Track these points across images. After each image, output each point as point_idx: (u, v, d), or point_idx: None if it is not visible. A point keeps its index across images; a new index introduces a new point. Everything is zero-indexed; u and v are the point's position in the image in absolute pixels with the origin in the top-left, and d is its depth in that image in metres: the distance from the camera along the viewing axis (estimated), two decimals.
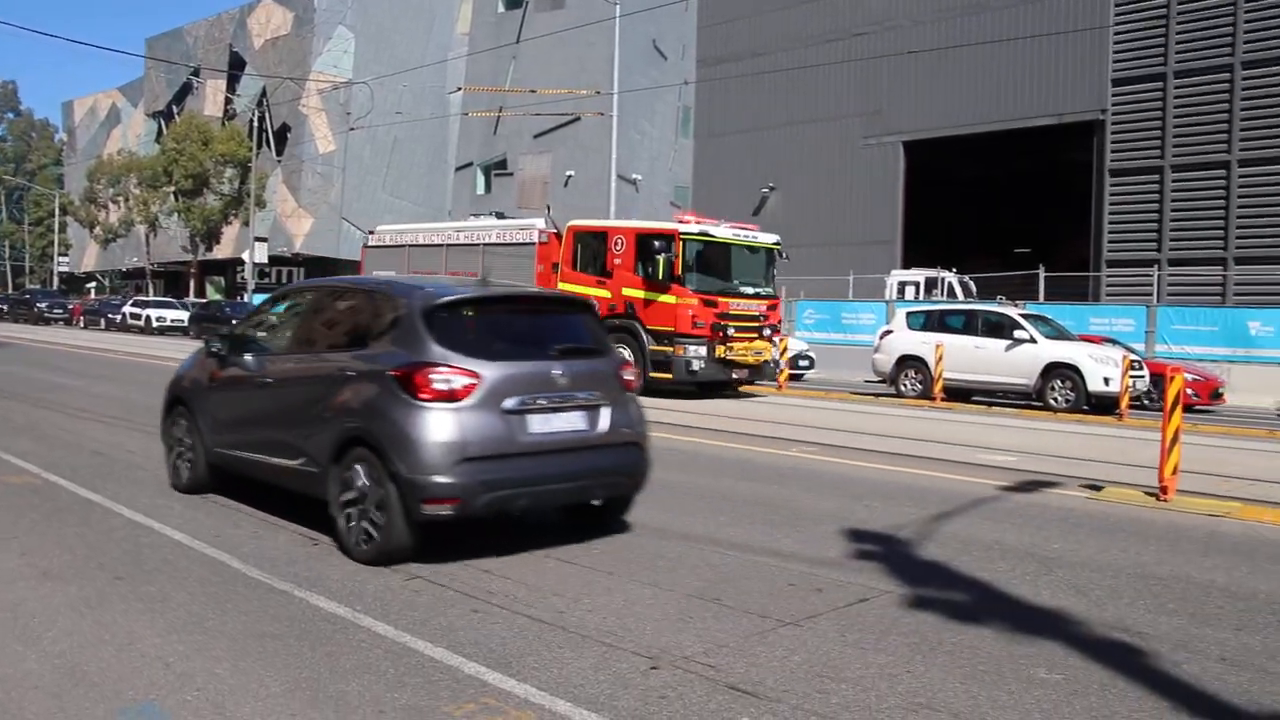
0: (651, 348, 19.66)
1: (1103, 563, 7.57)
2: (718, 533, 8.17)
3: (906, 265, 37.28)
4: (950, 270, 33.97)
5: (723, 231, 20.23)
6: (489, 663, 5.06)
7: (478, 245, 23.44)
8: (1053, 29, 34.02)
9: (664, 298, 19.62)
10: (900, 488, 10.63)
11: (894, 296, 33.41)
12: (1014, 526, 8.76)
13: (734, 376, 20.66)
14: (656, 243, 19.49)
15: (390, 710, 4.49)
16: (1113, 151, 33.49)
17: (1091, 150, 34.22)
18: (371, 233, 27.40)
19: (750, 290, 20.61)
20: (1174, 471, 10.12)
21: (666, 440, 14.01)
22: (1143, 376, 20.84)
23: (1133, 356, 20.93)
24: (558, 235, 22.09)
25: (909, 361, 22.62)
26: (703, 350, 19.41)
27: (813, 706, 4.63)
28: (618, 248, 20.45)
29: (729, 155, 43.55)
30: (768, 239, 21.20)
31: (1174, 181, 32.05)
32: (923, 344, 22.24)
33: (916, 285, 33.86)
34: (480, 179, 61.67)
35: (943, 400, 21.34)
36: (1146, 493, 10.33)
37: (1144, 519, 9.36)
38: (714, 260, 20.07)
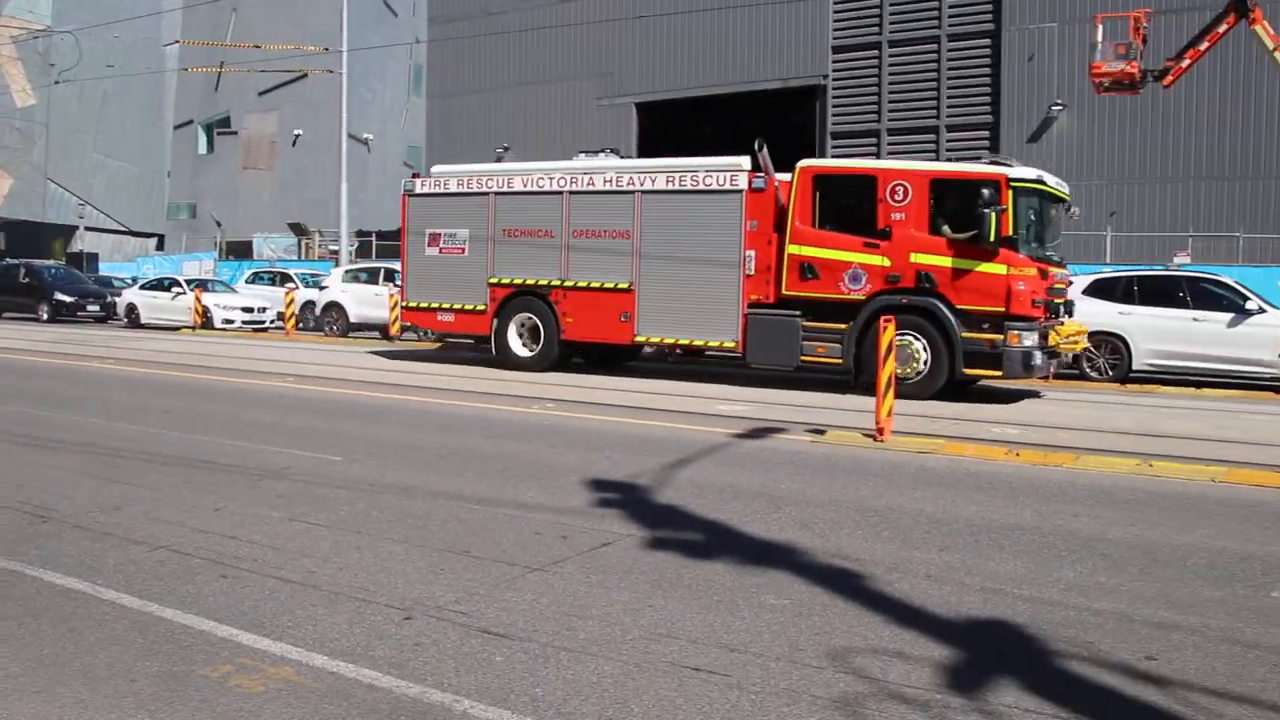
0: (964, 334, 14.62)
1: (826, 499, 8.19)
2: (464, 489, 8.32)
3: None
4: None
5: (1051, 180, 15.70)
6: (242, 625, 5.06)
7: (629, 193, 17.10)
8: None
9: (987, 266, 14.52)
10: (639, 439, 11.05)
11: None
12: (746, 470, 9.31)
13: (1051, 371, 16.21)
14: (984, 190, 14.44)
15: (142, 679, 4.45)
16: (834, 115, 35.27)
17: (814, 114, 35.92)
18: (416, 176, 19.99)
19: (1057, 257, 16.11)
20: (889, 414, 10.97)
21: (405, 401, 14.03)
22: None
23: None
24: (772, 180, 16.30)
25: None
26: (1038, 338, 14.51)
27: (562, 643, 4.88)
28: (898, 198, 15.15)
29: (463, 115, 43.22)
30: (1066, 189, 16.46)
31: (889, 145, 34.08)
32: None
33: None
34: (202, 138, 58.83)
35: (679, 354, 22.04)
36: (865, 434, 11.15)
37: (863, 458, 10.14)
38: (1039, 218, 15.47)
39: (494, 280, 18.24)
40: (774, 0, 35.20)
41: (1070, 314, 16.04)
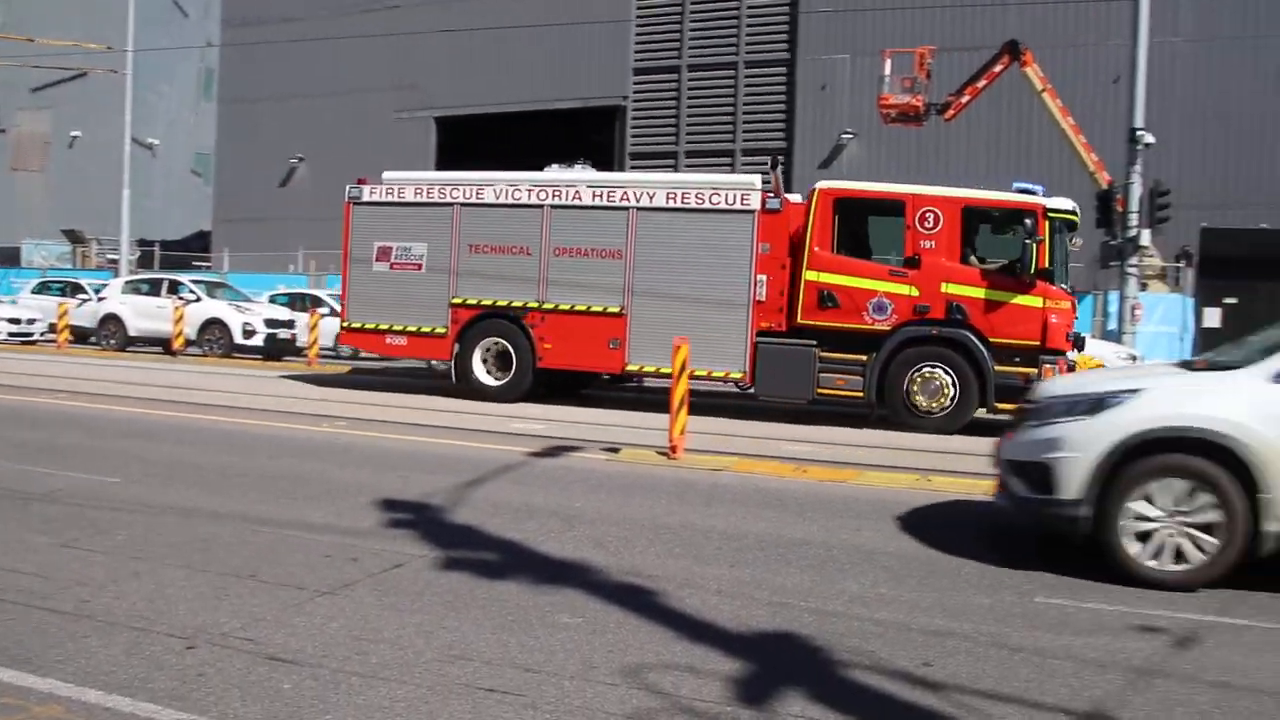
0: (996, 368, 14.19)
1: (620, 517, 8.28)
2: (250, 510, 8.05)
3: None
4: None
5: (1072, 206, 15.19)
6: (4, 661, 4.76)
7: (623, 209, 15.78)
8: (581, 17, 35.72)
9: (1023, 299, 14.21)
10: (434, 458, 10.93)
11: None
12: (540, 489, 9.33)
13: None
14: (1026, 220, 14.12)
15: None
16: (633, 136, 35.79)
17: (614, 134, 36.34)
18: (362, 181, 17.55)
19: (1069, 287, 15.53)
20: (681, 432, 11.18)
21: (200, 421, 13.48)
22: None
23: None
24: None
25: None
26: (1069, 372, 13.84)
27: (353, 668, 4.79)
28: (928, 225, 14.59)
29: (256, 123, 41.87)
30: None
31: (686, 167, 34.77)
32: None
33: None
34: None
35: None
36: (659, 453, 11.31)
37: (656, 476, 10.30)
38: (1063, 246, 14.89)
39: (457, 300, 16.46)
40: (577, 21, 35.49)
41: (1082, 347, 15.57)
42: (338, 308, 27.70)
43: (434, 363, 18.86)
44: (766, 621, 5.74)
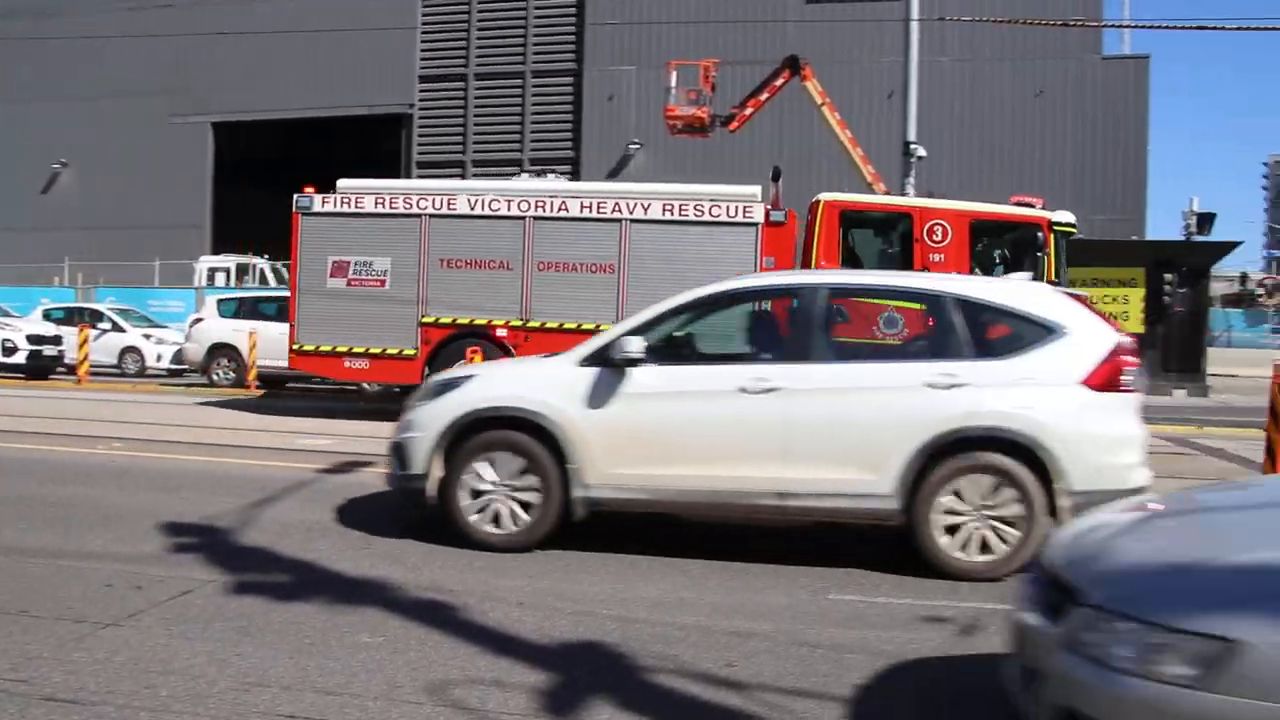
0: None
1: None
2: (18, 541, 7.54)
3: (217, 251, 36.33)
4: (263, 257, 33.70)
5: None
6: None
7: (615, 221, 15.20)
8: (365, 23, 35.04)
9: None
10: (218, 478, 10.51)
11: (204, 283, 32.41)
12: (333, 506, 9.06)
13: None
14: (1034, 234, 14.31)
15: None
16: (420, 144, 35.37)
17: (400, 142, 35.79)
18: (311, 189, 16.29)
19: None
20: None
21: None
22: None
23: None
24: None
25: (221, 350, 22.16)
26: None
27: (141, 703, 4.54)
28: (936, 238, 14.53)
29: (10, 126, 39.36)
30: None
31: (474, 176, 34.56)
32: (235, 331, 21.90)
33: (227, 271, 33.19)
34: None
35: (257, 388, 21.19)
36: None
37: None
38: (1063, 256, 14.89)
39: (429, 319, 15.40)
40: (361, 26, 34.81)
41: None
42: (122, 323, 26.19)
43: (367, 386, 17.92)
44: (570, 631, 5.74)
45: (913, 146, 23.46)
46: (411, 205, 15.60)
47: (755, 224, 14.80)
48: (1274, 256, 55.97)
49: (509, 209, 15.37)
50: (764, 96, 23.97)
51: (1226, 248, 29.91)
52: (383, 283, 15.49)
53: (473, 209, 15.45)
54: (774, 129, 30.57)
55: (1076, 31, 35.90)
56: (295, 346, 15.93)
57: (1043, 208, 15.13)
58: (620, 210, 15.14)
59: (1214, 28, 29.03)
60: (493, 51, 34.78)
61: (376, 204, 15.68)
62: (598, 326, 14.25)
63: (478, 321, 15.32)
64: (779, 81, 23.71)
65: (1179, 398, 23.35)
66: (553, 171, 18.73)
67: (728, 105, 24.84)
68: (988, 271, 14.91)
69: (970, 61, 32.44)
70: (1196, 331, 25.94)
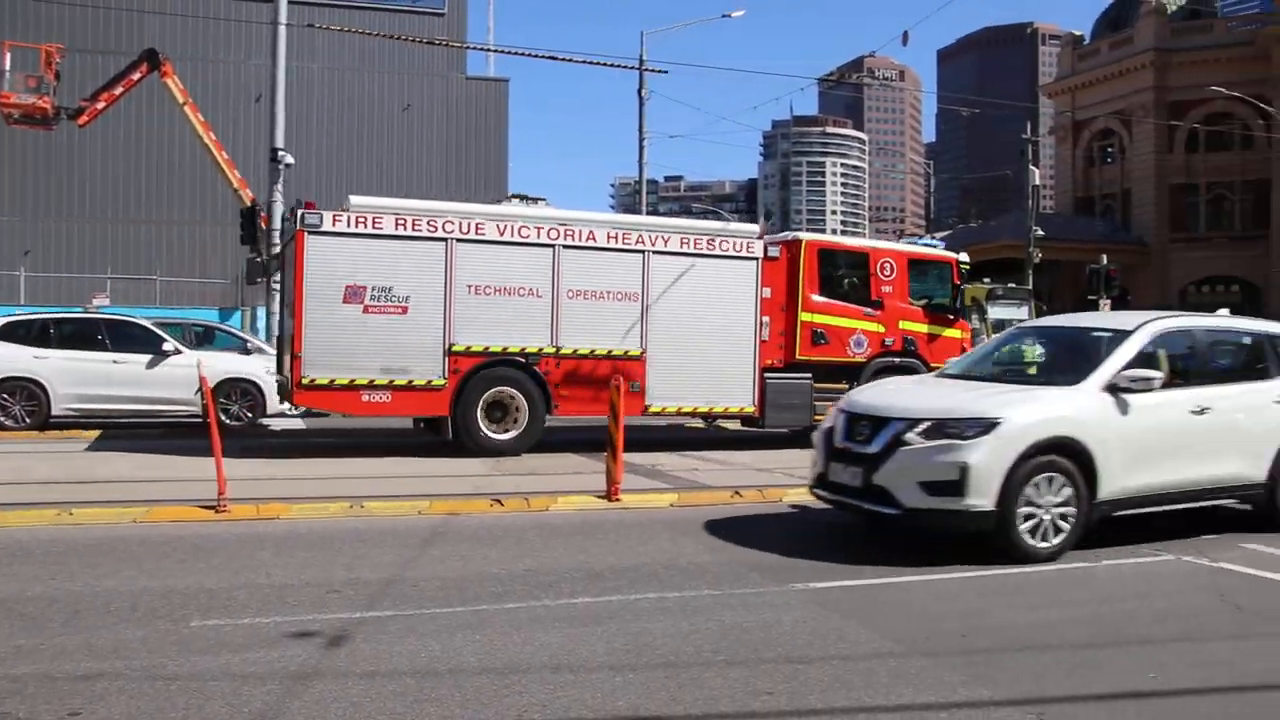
0: None
1: None
2: None
3: None
4: None
5: None
6: None
7: (639, 252, 15.37)
8: None
9: (950, 332, 17.70)
10: None
11: None
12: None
13: None
14: (950, 271, 18.11)
15: None
16: None
17: None
18: (311, 205, 14.21)
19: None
20: None
21: None
22: None
23: None
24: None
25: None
26: None
27: None
28: (885, 272, 17.26)
29: None
30: None
31: None
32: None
33: None
34: None
35: None
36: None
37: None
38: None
39: (458, 347, 14.38)
40: None
41: None
42: None
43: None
44: None
45: (280, 153, 23.03)
46: (437, 228, 14.52)
47: (757, 258, 16.15)
48: None
49: (539, 236, 15.00)
50: (119, 90, 22.37)
51: None
52: (405, 309, 14.24)
53: (502, 234, 14.84)
54: (134, 125, 28.67)
55: (443, 51, 37.48)
56: (304, 381, 13.93)
57: (945, 248, 19.36)
58: (644, 242, 15.51)
59: (565, 59, 31.56)
60: None
61: (398, 225, 14.35)
62: (626, 353, 15.23)
63: (511, 349, 14.75)
64: (136, 76, 22.26)
65: None
66: (542, 199, 18.44)
67: (77, 97, 22.85)
68: (918, 298, 17.59)
69: (341, 70, 32.61)
70: None
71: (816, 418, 16.23)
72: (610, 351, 15.22)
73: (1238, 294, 59.35)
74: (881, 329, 17.14)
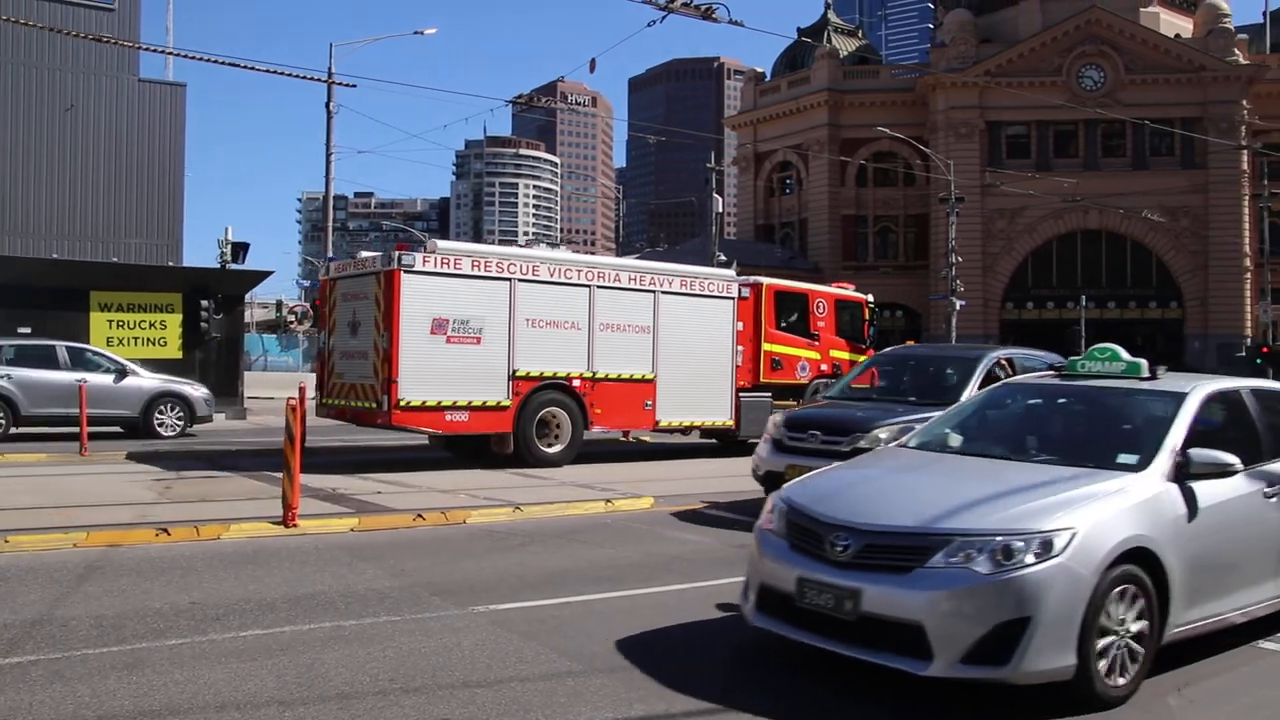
0: None
1: None
2: None
3: None
4: None
5: None
6: None
7: (650, 292, 18.07)
8: None
9: (862, 359, 19.81)
10: None
11: None
12: None
13: None
14: (862, 309, 22.82)
15: None
16: None
17: None
18: (405, 246, 16.19)
19: None
20: None
21: None
22: None
23: None
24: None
25: None
26: None
27: None
28: (820, 310, 21.60)
29: None
30: None
31: None
32: None
33: None
34: None
35: None
36: None
37: None
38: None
39: (521, 373, 16.51)
40: None
41: None
42: None
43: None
44: None
45: None
46: (503, 269, 16.53)
47: (733, 298, 19.25)
48: (305, 286, 60.34)
49: (579, 277, 17.38)
50: None
51: (259, 276, 31.33)
52: (479, 340, 16.11)
53: (552, 275, 17.03)
54: None
55: (114, 51, 35.24)
56: (401, 402, 15.44)
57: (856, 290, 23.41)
58: (655, 283, 18.20)
59: (247, 66, 30.27)
60: None
61: (473, 266, 16.25)
62: (643, 376, 17.88)
63: (559, 374, 16.91)
64: None
65: (220, 422, 23.83)
66: (570, 243, 19.53)
67: None
68: (844, 334, 22.06)
69: None
70: (233, 356, 26.74)
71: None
72: (631, 375, 17.82)
73: (903, 319, 64.32)
74: (819, 356, 21.43)
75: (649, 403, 17.98)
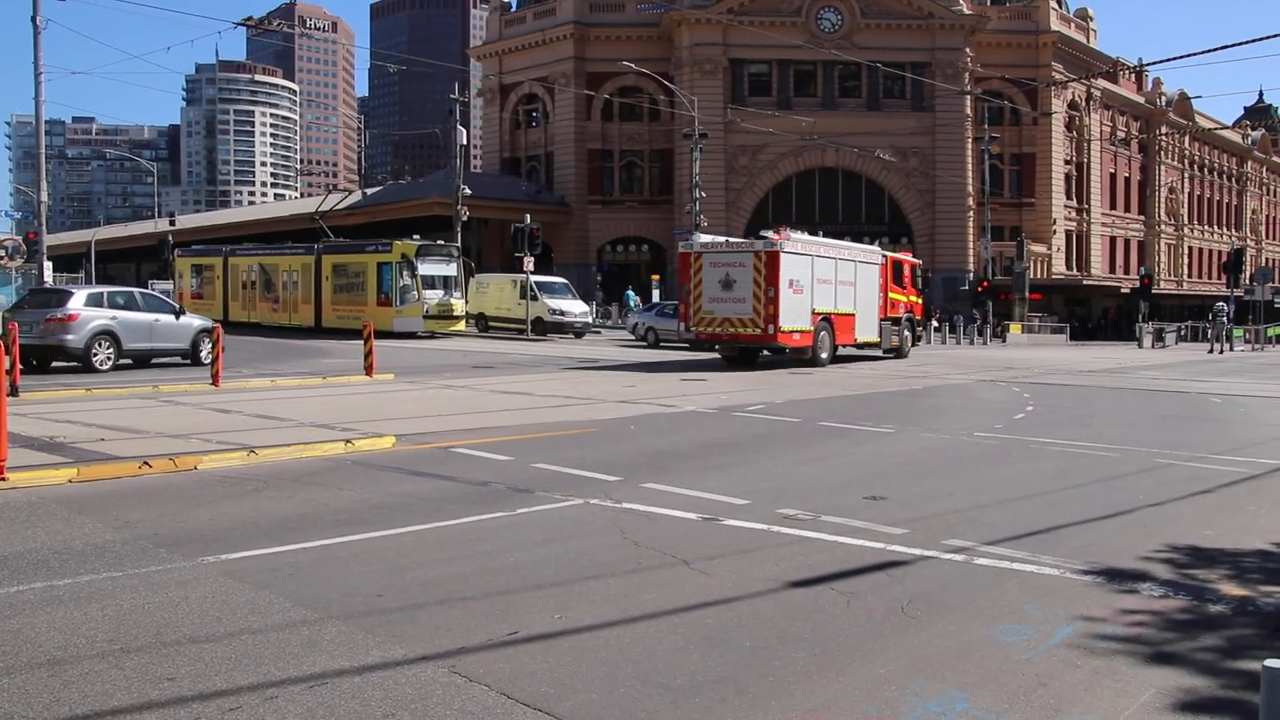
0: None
1: None
2: None
3: None
4: None
5: None
6: None
7: (851, 261, 29.86)
8: None
9: (920, 302, 36.39)
10: None
11: None
12: None
13: None
14: (920, 271, 36.32)
15: None
16: None
17: None
18: (778, 233, 27.42)
19: None
20: None
21: None
22: None
23: None
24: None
25: None
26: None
27: None
28: (906, 272, 34.08)
29: None
30: None
31: None
32: None
33: None
34: None
35: None
36: None
37: None
38: None
39: (818, 310, 27.79)
40: None
41: None
42: None
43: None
44: None
45: None
46: (808, 250, 27.83)
47: (879, 264, 31.91)
48: (17, 218, 55.80)
49: (832, 254, 28.99)
50: None
51: None
52: (801, 291, 26.97)
53: (823, 254, 28.53)
54: None
55: None
56: (783, 329, 26.37)
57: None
58: (853, 256, 30.39)
59: None
60: None
61: (804, 249, 27.69)
62: (850, 312, 29.51)
63: (824, 311, 27.99)
64: None
65: None
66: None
67: None
68: (915, 286, 35.47)
69: None
70: None
71: (895, 341, 32.82)
72: (848, 311, 29.21)
73: (648, 253, 65.17)
74: (905, 300, 33.52)
75: (853, 328, 29.61)
